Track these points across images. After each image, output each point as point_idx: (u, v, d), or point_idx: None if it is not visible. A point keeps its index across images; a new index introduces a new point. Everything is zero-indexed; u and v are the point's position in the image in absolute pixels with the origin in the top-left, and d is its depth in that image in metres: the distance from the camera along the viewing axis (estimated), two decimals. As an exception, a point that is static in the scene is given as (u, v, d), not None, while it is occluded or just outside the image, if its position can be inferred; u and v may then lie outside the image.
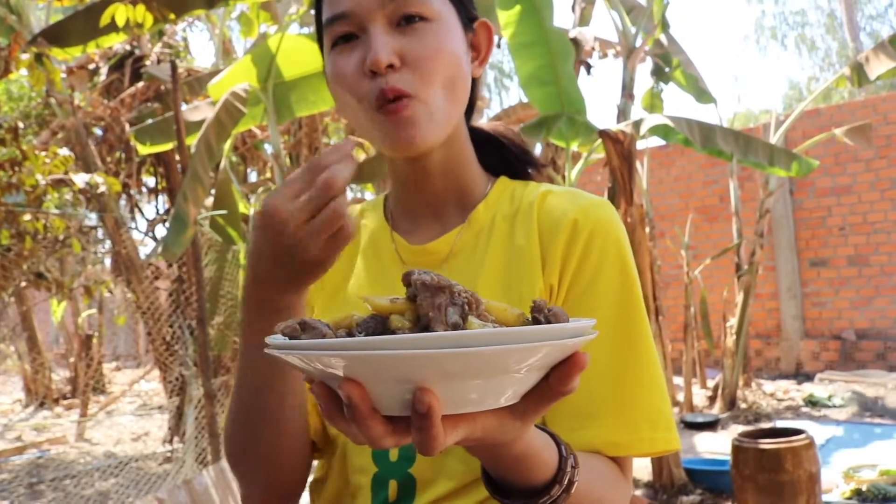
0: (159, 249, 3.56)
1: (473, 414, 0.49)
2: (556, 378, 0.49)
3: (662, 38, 5.53)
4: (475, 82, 0.85)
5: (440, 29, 0.76)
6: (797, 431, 3.30)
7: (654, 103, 6.18)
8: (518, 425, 0.52)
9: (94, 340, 8.32)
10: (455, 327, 0.46)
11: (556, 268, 0.78)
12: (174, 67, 4.21)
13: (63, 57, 4.02)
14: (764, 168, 4.88)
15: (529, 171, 0.91)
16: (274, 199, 0.60)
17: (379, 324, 0.48)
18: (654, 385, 0.77)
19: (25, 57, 3.88)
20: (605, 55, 5.91)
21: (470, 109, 0.87)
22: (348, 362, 0.44)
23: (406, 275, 0.49)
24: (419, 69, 0.74)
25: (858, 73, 5.37)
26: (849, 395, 6.33)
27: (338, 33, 0.77)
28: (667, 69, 5.85)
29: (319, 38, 0.82)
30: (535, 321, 0.50)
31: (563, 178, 4.91)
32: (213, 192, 5.06)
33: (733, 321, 6.28)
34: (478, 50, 0.85)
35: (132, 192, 6.27)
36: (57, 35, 3.88)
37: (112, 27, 3.66)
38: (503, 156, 0.91)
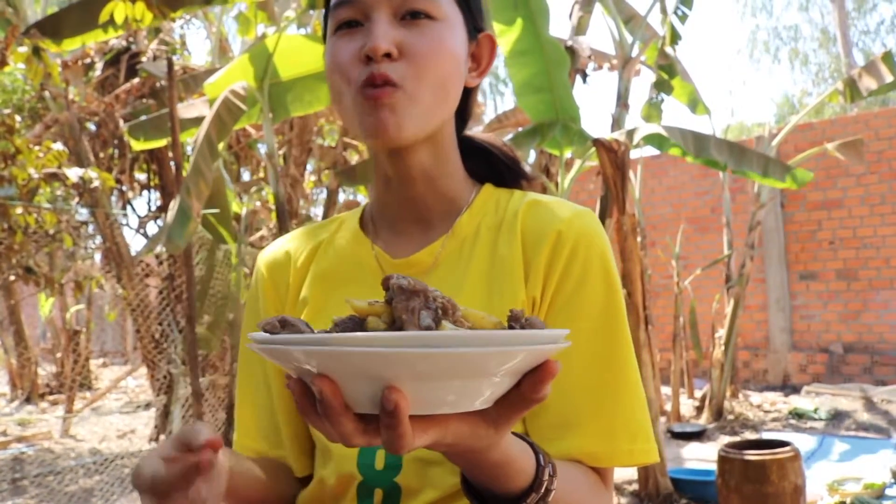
0: (162, 241, 3.55)
1: (445, 419, 0.50)
2: (528, 385, 0.50)
3: (669, 49, 5.54)
4: (470, 92, 0.84)
5: (443, 29, 0.76)
6: (783, 443, 3.31)
7: (652, 114, 6.20)
8: (491, 433, 0.53)
9: (82, 336, 8.27)
10: (427, 330, 0.47)
11: (539, 279, 0.77)
12: (170, 64, 4.20)
13: (56, 50, 4.00)
14: (758, 179, 4.89)
15: (519, 182, 0.90)
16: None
17: (356, 324, 0.49)
18: (634, 396, 0.77)
19: (23, 50, 3.86)
20: (600, 67, 5.92)
21: (464, 121, 0.87)
22: (319, 358, 0.45)
23: (385, 279, 0.50)
24: (414, 63, 0.74)
25: (851, 89, 5.41)
26: (835, 408, 6.36)
27: (342, 18, 0.77)
28: (666, 77, 5.87)
29: (325, 25, 0.82)
30: (512, 329, 0.50)
31: (557, 185, 4.92)
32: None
33: (722, 332, 6.31)
34: (478, 61, 0.84)
35: (124, 188, 6.24)
36: (51, 27, 3.85)
37: (108, 21, 3.65)
38: (491, 165, 0.90)
